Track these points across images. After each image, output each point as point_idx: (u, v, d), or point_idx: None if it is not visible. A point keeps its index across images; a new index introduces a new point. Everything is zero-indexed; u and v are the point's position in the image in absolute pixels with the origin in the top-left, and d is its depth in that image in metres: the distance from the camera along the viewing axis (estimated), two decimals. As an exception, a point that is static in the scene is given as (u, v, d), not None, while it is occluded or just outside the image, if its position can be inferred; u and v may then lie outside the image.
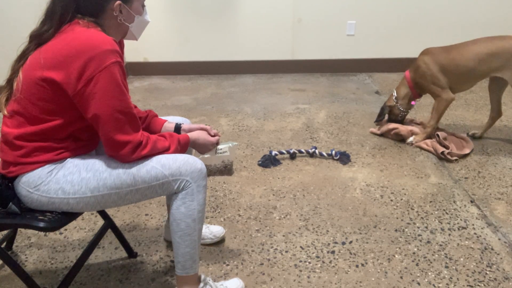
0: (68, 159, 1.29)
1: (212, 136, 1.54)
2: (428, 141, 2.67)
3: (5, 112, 1.26)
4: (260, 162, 2.54)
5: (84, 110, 1.20)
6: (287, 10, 4.05)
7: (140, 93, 3.81)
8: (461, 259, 1.74)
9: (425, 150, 2.65)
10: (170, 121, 1.61)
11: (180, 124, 1.60)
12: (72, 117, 1.24)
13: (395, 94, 2.77)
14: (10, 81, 1.26)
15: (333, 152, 2.57)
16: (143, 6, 1.38)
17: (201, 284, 1.46)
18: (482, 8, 4.06)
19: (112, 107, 1.18)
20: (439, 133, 2.66)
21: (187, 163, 1.30)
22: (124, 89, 1.21)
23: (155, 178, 1.28)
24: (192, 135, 1.46)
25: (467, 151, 2.58)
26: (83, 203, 1.27)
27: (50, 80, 1.17)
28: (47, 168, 1.25)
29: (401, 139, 2.77)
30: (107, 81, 1.16)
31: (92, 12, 1.25)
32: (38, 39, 1.23)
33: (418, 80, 2.64)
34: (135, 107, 1.57)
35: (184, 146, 1.40)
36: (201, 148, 1.51)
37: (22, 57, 1.25)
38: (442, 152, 2.52)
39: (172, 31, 4.11)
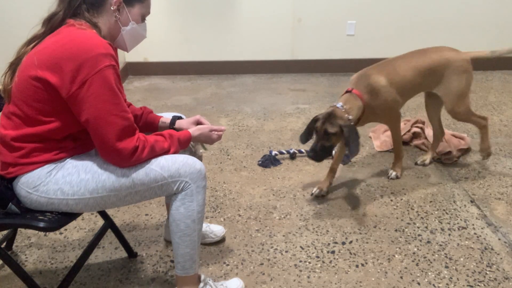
0: (67, 159, 1.29)
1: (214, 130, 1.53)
2: (425, 141, 2.68)
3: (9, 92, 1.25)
4: (260, 162, 2.54)
5: (78, 114, 1.19)
6: (287, 10, 4.05)
7: (140, 93, 3.80)
8: (461, 259, 1.74)
9: (423, 150, 2.66)
10: (166, 117, 1.61)
11: (176, 118, 1.59)
12: (69, 120, 1.23)
13: (349, 115, 1.97)
14: (12, 64, 1.26)
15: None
16: (143, 18, 1.39)
17: (201, 284, 1.46)
18: (482, 8, 4.05)
19: (105, 111, 1.17)
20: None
21: (186, 164, 1.30)
22: (118, 93, 1.20)
23: (154, 180, 1.28)
24: (194, 132, 1.45)
25: (464, 147, 2.58)
26: (82, 204, 1.27)
27: (44, 80, 1.17)
28: (46, 168, 1.25)
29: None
30: (101, 84, 1.15)
31: (94, 1, 1.26)
32: (48, 23, 1.25)
33: (374, 106, 2.07)
34: (130, 104, 1.57)
35: (185, 143, 1.40)
36: (201, 142, 1.51)
37: (31, 42, 1.25)
38: (439, 159, 2.52)
39: (172, 31, 4.11)
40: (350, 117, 1.97)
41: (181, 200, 1.32)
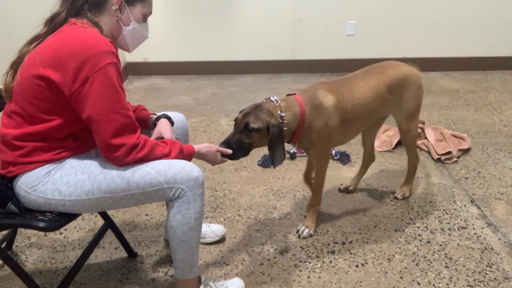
0: (67, 159, 1.29)
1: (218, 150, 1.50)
2: (425, 141, 2.68)
3: (11, 92, 1.25)
4: (260, 162, 2.54)
5: (80, 111, 1.19)
6: (287, 10, 4.05)
7: (140, 93, 3.80)
8: (461, 259, 1.74)
9: (423, 150, 2.66)
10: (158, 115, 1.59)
11: (164, 116, 1.55)
12: (71, 118, 1.24)
13: (282, 113, 1.61)
14: (14, 64, 1.26)
15: (333, 152, 2.57)
16: (145, 19, 1.39)
17: (202, 286, 1.46)
18: (482, 9, 4.05)
19: (107, 108, 1.17)
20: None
21: (182, 171, 1.28)
22: (120, 90, 1.20)
23: (149, 184, 1.26)
24: (201, 150, 1.42)
25: (464, 147, 2.59)
26: (79, 205, 1.27)
27: (46, 78, 1.17)
28: (46, 168, 1.25)
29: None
30: (103, 81, 1.16)
31: (96, 1, 1.27)
32: (51, 23, 1.25)
33: (311, 127, 1.69)
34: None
35: (187, 157, 1.36)
36: (205, 161, 1.49)
37: (33, 41, 1.26)
38: (439, 159, 2.52)
39: (172, 31, 4.11)
40: (283, 115, 1.58)
41: (177, 208, 1.30)
